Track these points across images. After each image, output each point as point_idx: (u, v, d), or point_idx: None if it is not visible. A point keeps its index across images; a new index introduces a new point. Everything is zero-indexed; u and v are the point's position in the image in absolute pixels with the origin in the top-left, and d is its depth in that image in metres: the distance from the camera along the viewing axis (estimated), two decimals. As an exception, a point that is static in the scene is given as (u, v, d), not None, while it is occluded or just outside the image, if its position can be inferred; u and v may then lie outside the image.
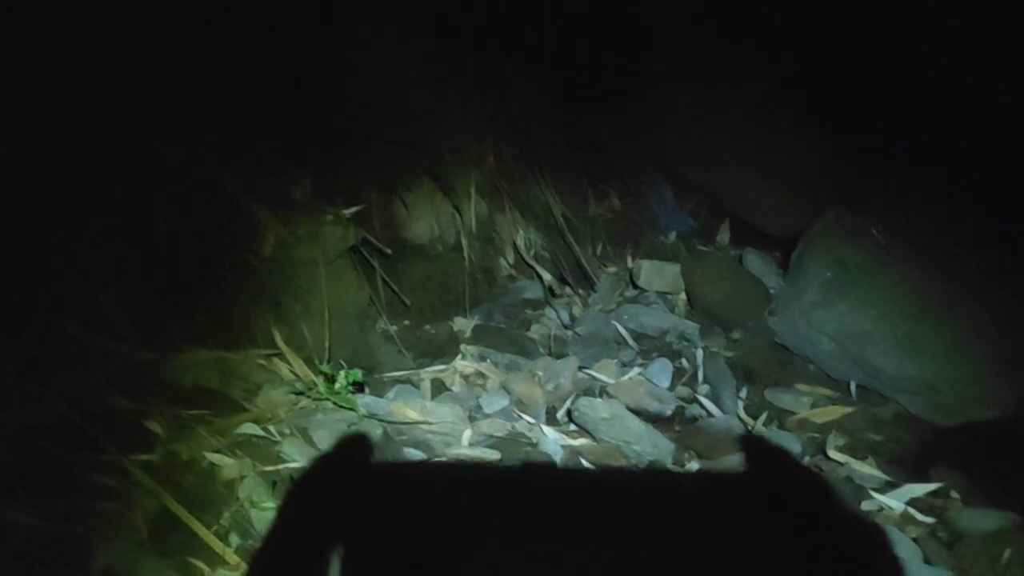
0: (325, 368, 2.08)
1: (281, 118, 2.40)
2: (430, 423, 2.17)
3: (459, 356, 2.63)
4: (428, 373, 2.55)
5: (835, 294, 2.69)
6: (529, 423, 2.33)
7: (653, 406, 2.46)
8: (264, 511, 1.69)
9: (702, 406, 2.53)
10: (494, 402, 2.40)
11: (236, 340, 2.18)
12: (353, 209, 2.37)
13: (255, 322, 2.22)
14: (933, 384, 2.47)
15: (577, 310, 3.14)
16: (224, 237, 2.19)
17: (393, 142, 2.67)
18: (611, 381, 2.56)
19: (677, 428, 2.45)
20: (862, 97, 3.15)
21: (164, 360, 1.99)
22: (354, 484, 1.39)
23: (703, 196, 3.77)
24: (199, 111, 2.18)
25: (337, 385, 2.06)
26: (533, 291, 3.16)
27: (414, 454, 2.13)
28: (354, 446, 1.25)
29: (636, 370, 2.65)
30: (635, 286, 3.25)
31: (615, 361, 2.71)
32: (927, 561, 1.89)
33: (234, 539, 1.63)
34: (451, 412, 2.24)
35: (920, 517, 2.02)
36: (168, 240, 2.14)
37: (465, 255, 2.94)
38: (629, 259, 3.41)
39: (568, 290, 3.23)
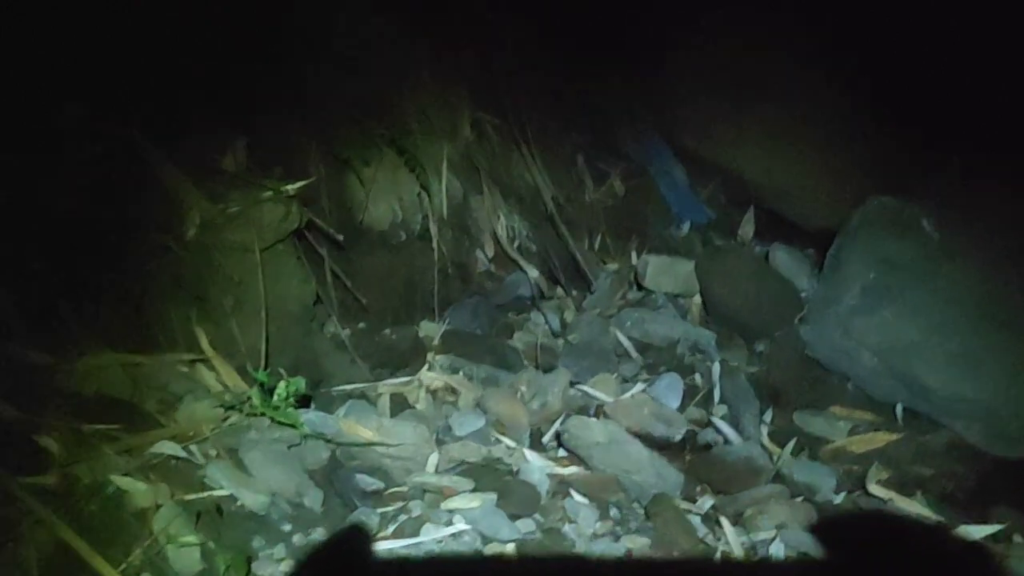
0: (261, 377, 2.08)
1: (210, 70, 2.40)
2: (388, 445, 2.18)
3: (425, 367, 2.64)
4: (387, 387, 2.56)
5: (879, 299, 2.73)
6: (509, 447, 2.35)
7: (659, 430, 2.48)
8: (184, 548, 1.69)
9: (718, 431, 2.56)
10: (467, 422, 2.42)
11: (151, 341, 2.18)
12: (297, 184, 2.37)
13: (175, 320, 2.21)
14: (993, 408, 2.51)
15: (569, 314, 3.17)
16: (137, 215, 2.19)
17: (348, 104, 2.68)
18: (609, 399, 2.59)
19: (688, 457, 2.47)
20: (913, 65, 3.20)
21: (61, 363, 1.99)
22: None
23: (723, 180, 3.82)
24: (107, 59, 2.17)
25: (275, 398, 2.06)
26: (518, 290, 3.18)
27: (368, 482, 2.14)
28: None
29: (639, 387, 2.68)
30: (640, 287, 3.28)
31: (614, 376, 2.73)
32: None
33: (146, 581, 1.64)
34: (414, 433, 2.25)
35: (977, 565, 2.06)
36: (68, 218, 2.13)
37: (434, 245, 2.96)
38: (633, 255, 3.45)
39: (559, 290, 3.25)
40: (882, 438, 2.55)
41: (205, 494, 1.86)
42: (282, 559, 1.83)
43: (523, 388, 2.56)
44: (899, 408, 2.67)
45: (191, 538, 1.71)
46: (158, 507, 1.75)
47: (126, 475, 1.79)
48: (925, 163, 3.29)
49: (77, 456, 1.78)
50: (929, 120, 3.30)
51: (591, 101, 3.71)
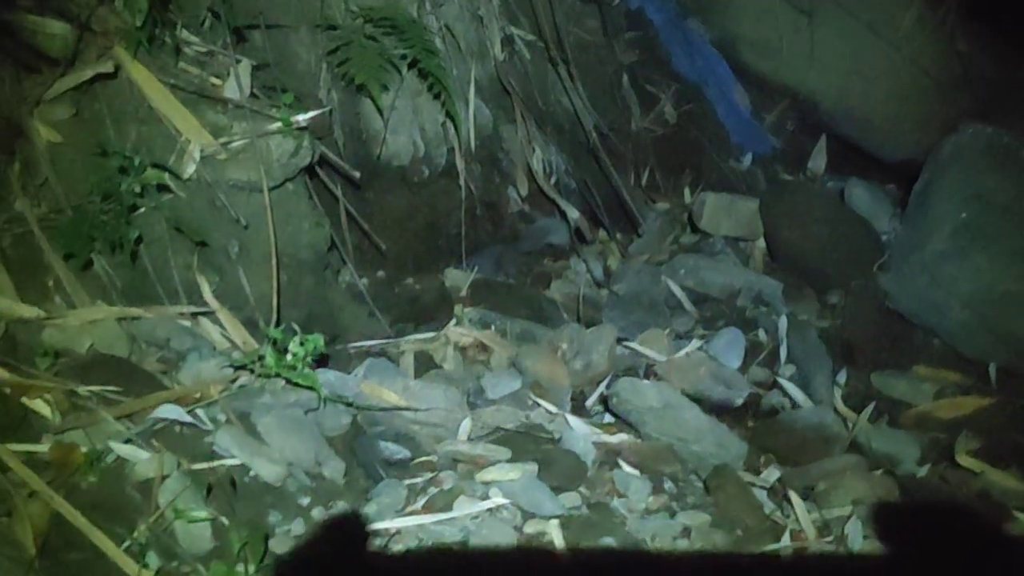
0: (274, 334, 2.10)
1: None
2: (416, 410, 2.20)
3: (452, 321, 2.66)
4: (411, 343, 2.59)
5: (971, 242, 2.71)
6: (549, 412, 2.36)
7: (718, 392, 2.50)
8: (194, 523, 1.73)
9: (785, 393, 2.57)
10: (501, 384, 2.44)
11: (148, 293, 2.21)
12: (309, 114, 2.36)
13: (174, 268, 2.24)
14: (1104, 368, 2.51)
15: (614, 261, 3.17)
16: (125, 147, 2.19)
17: (362, 18, 2.66)
18: (661, 358, 2.60)
19: (751, 423, 2.49)
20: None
21: (51, 318, 2.02)
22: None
23: (791, 104, 3.77)
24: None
25: (290, 356, 2.07)
26: (555, 234, 3.18)
27: (393, 450, 2.17)
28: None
29: (695, 343, 2.69)
30: (695, 229, 3.27)
31: (667, 331, 2.75)
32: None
33: (152, 559, 1.67)
34: (444, 396, 2.27)
35: (1083, 547, 2.07)
36: (49, 152, 2.15)
37: (461, 182, 2.96)
38: (687, 192, 3.44)
39: (603, 233, 3.25)
40: (973, 402, 2.54)
41: (215, 463, 1.88)
42: (300, 535, 1.87)
43: (563, 345, 2.58)
44: (993, 368, 2.66)
45: (201, 513, 1.74)
46: (164, 478, 1.77)
47: (127, 442, 1.81)
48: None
49: (72, 421, 1.81)
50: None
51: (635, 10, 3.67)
